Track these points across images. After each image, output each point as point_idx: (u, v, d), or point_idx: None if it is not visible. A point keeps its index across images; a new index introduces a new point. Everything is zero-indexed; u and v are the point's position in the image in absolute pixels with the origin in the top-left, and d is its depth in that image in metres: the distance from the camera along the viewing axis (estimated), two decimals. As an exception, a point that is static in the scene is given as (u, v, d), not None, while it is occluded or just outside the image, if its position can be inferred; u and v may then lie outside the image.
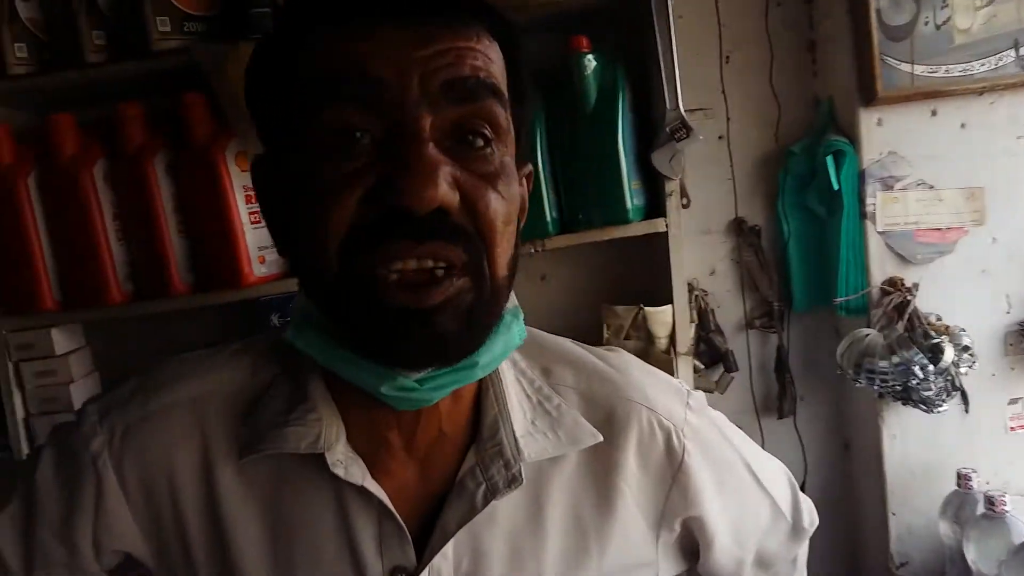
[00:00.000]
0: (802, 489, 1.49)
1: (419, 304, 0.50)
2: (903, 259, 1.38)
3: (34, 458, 0.66)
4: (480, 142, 0.53)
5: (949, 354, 1.27)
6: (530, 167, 0.63)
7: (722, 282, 1.55)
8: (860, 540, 1.51)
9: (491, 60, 0.54)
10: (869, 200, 1.37)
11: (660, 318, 1.34)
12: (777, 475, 0.77)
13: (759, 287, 1.54)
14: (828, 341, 1.44)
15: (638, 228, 1.33)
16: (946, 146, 1.36)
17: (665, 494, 0.66)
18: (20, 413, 1.47)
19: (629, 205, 1.30)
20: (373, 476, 0.60)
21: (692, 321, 1.50)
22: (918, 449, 1.36)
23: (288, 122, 0.54)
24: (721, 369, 1.51)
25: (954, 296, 1.37)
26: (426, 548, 0.60)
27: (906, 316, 1.33)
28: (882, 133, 1.37)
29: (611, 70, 1.32)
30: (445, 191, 0.50)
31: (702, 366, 1.51)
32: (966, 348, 1.31)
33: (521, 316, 0.62)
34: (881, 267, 1.38)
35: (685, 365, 1.35)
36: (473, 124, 0.53)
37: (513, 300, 0.61)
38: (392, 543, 0.59)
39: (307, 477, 0.60)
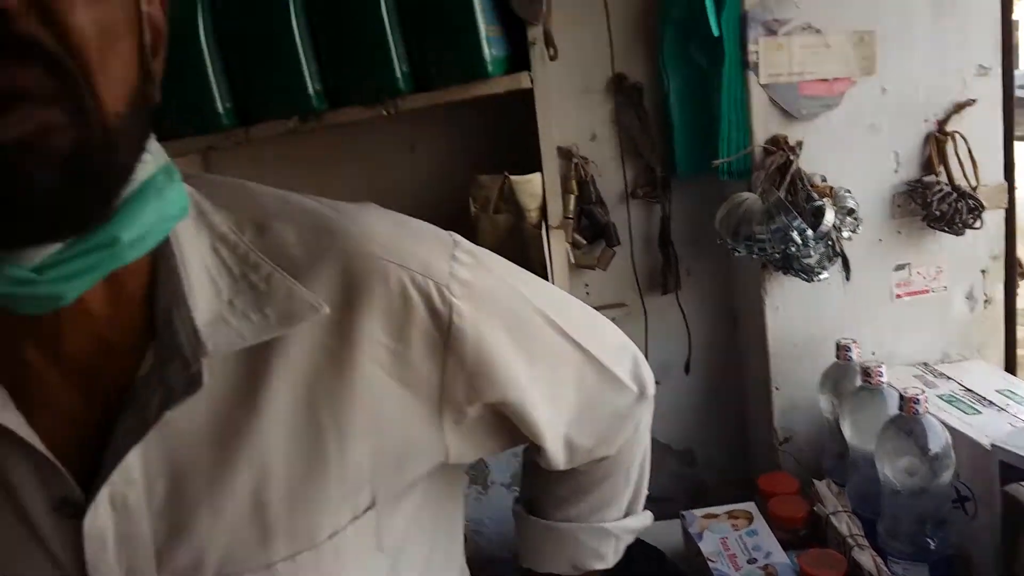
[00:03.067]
0: (688, 368, 1.47)
1: None
2: (787, 115, 1.26)
3: None
4: None
5: (830, 217, 1.17)
6: None
7: (603, 148, 1.41)
8: (747, 416, 1.46)
9: None
10: (751, 48, 1.23)
11: (528, 188, 1.20)
12: (598, 329, 0.67)
13: (642, 152, 1.41)
14: (714, 209, 1.32)
15: (500, 84, 1.15)
16: (835, -18, 1.22)
17: (440, 367, 0.54)
18: None
19: (487, 56, 1.11)
20: (19, 405, 0.46)
21: (570, 192, 1.37)
22: (801, 321, 1.28)
23: None
24: (603, 244, 1.39)
25: (840, 155, 1.26)
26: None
27: (788, 178, 1.22)
28: (767, -31, 1.22)
29: None
30: None
31: (584, 241, 1.39)
32: (851, 211, 1.22)
33: (178, 176, 0.48)
34: (764, 124, 1.26)
35: (558, 240, 1.22)
36: None
37: (162, 155, 0.48)
38: (48, 474, 0.47)
39: None
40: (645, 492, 0.79)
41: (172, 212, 0.47)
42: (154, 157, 0.46)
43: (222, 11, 1.14)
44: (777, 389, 1.30)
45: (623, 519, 0.77)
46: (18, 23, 0.36)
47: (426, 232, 0.57)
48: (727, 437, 1.48)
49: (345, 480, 0.52)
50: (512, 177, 1.20)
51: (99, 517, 0.47)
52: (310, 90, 1.15)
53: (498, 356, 0.55)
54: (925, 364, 1.29)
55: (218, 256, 0.50)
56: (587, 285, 1.44)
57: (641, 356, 0.71)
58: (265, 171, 1.40)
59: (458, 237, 0.58)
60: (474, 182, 1.24)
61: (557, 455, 0.64)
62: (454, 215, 1.35)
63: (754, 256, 1.22)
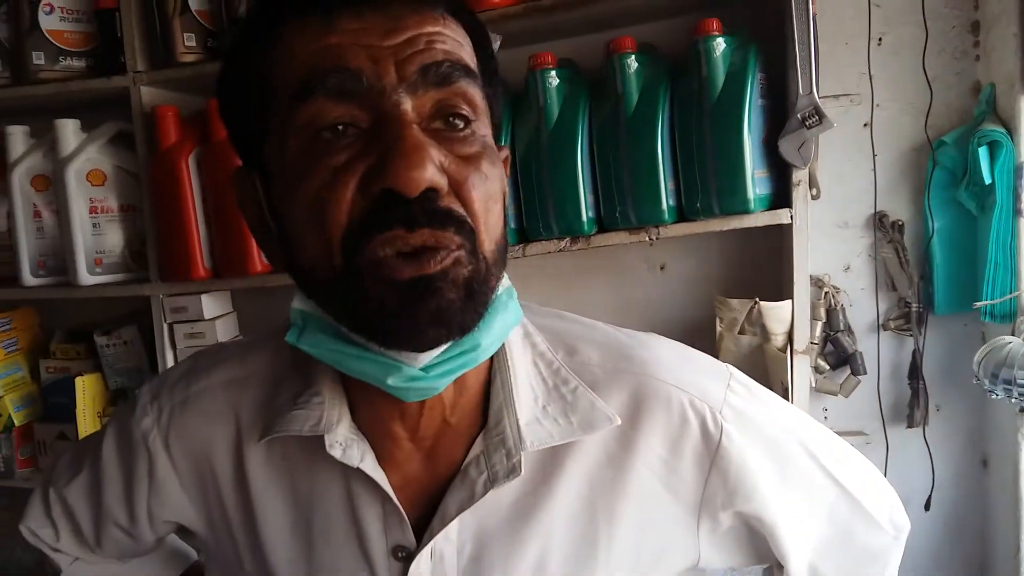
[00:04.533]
0: (928, 506, 1.43)
1: (422, 270, 0.51)
2: (1061, 264, 1.24)
3: (101, 432, 0.74)
4: (461, 123, 0.54)
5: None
6: (507, 151, 0.63)
7: (857, 279, 1.47)
8: (988, 566, 1.39)
9: (460, 43, 0.55)
10: (1025, 197, 1.25)
11: (777, 313, 1.29)
12: (858, 469, 0.72)
13: (897, 286, 1.44)
14: (971, 349, 1.32)
15: (760, 219, 1.27)
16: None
17: (703, 480, 0.64)
18: (173, 369, 1.64)
19: (751, 195, 1.25)
20: (381, 465, 0.62)
21: (818, 319, 1.43)
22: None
23: (267, 128, 0.55)
24: (847, 371, 1.43)
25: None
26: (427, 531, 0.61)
27: (1059, 327, 1.20)
28: (1046, 123, 1.24)
29: (742, 53, 1.27)
30: (433, 172, 0.51)
31: (827, 367, 1.44)
32: None
33: (515, 296, 0.62)
34: (1036, 271, 1.25)
35: (802, 364, 1.29)
36: (452, 105, 0.53)
37: (506, 281, 0.61)
38: (393, 523, 0.62)
39: (319, 458, 0.62)
40: None
41: (511, 322, 0.60)
42: (503, 280, 0.60)
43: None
44: (1029, 542, 1.24)
45: None
46: (444, 200, 0.53)
47: (705, 362, 0.69)
48: (967, 583, 1.41)
49: (610, 565, 0.63)
50: (762, 303, 1.30)
51: (422, 564, 0.61)
52: (583, 216, 1.35)
53: (756, 477, 0.64)
54: None
55: (537, 369, 0.65)
56: (825, 410, 1.47)
57: (899, 501, 0.74)
58: (529, 283, 1.59)
59: (734, 370, 0.69)
60: (722, 304, 1.35)
61: (792, 557, 0.69)
62: (696, 332, 1.47)
63: (1012, 400, 1.20)
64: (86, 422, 1.70)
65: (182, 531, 0.75)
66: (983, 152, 1.27)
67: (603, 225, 1.38)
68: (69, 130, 1.58)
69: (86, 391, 1.70)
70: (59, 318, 1.90)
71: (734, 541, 0.68)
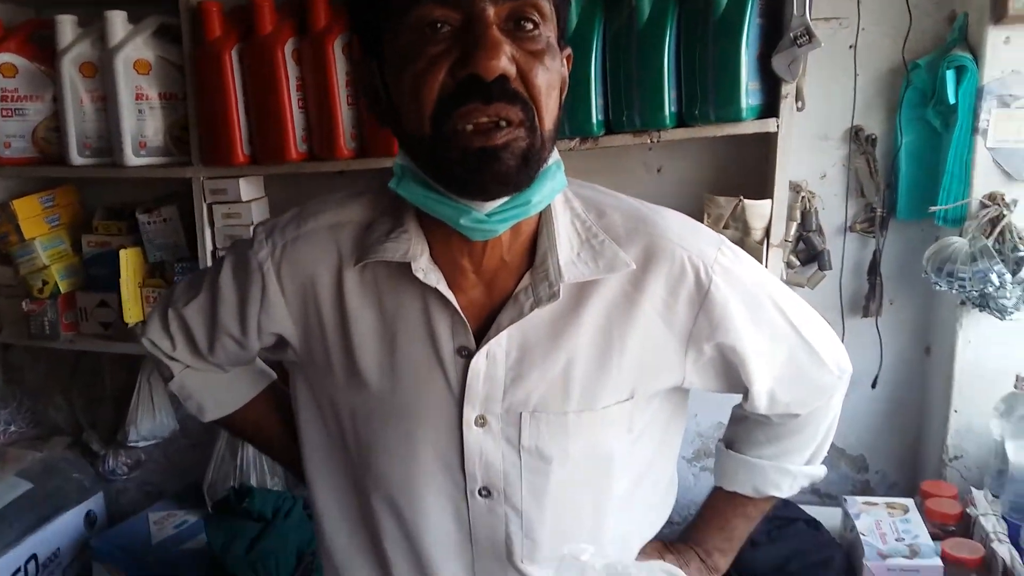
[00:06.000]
0: (875, 384, 1.67)
1: (488, 142, 0.67)
2: (1008, 176, 1.43)
3: (218, 264, 0.92)
4: (529, 26, 0.69)
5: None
6: (569, 50, 0.78)
7: (831, 186, 1.65)
8: (922, 434, 1.64)
9: None
10: (983, 116, 1.42)
11: (758, 211, 1.48)
12: (813, 322, 0.91)
13: (866, 193, 1.63)
14: (924, 250, 1.51)
15: (750, 127, 1.44)
16: (1072, 69, 1.37)
17: (693, 317, 0.82)
18: (208, 247, 1.81)
19: (744, 104, 1.41)
20: (451, 288, 0.79)
21: (793, 220, 1.62)
22: (990, 354, 1.45)
23: (386, 25, 0.72)
24: (815, 267, 1.63)
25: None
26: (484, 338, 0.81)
27: (998, 229, 1.40)
28: (1008, 51, 1.40)
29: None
30: (505, 63, 0.66)
31: (797, 262, 1.64)
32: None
33: (563, 167, 0.78)
34: (985, 181, 1.44)
35: (775, 256, 1.49)
36: (524, 12, 0.68)
37: (556, 155, 0.77)
38: (459, 330, 0.81)
39: (403, 280, 0.80)
40: (825, 451, 0.99)
41: (557, 187, 0.76)
42: (553, 154, 0.76)
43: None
44: (956, 412, 1.48)
45: (803, 466, 0.97)
46: (512, 83, 0.68)
47: (705, 232, 0.88)
48: (899, 450, 1.67)
49: (619, 376, 0.83)
50: (746, 201, 1.49)
51: (479, 361, 0.80)
52: (594, 119, 1.51)
53: (734, 318, 0.83)
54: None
55: (574, 226, 0.83)
56: (798, 299, 1.68)
57: (844, 351, 0.94)
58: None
59: (727, 240, 0.87)
60: (712, 201, 1.54)
61: (759, 400, 0.89)
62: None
63: (954, 292, 1.41)
64: (128, 290, 1.87)
65: (279, 344, 0.92)
66: (950, 75, 1.44)
67: (610, 128, 1.54)
68: (117, 21, 1.70)
69: (129, 263, 1.87)
70: (97, 198, 2.05)
71: (712, 369, 0.87)
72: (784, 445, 0.96)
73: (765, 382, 0.88)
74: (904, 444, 1.68)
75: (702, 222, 1.55)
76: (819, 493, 1.71)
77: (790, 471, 0.96)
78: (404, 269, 0.79)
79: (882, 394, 1.67)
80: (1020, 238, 1.41)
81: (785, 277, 1.62)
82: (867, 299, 1.63)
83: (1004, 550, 1.15)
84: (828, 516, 1.46)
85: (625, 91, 1.50)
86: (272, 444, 1.08)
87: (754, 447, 0.97)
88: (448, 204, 0.73)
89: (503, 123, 0.68)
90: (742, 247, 1.51)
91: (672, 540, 1.00)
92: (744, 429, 0.99)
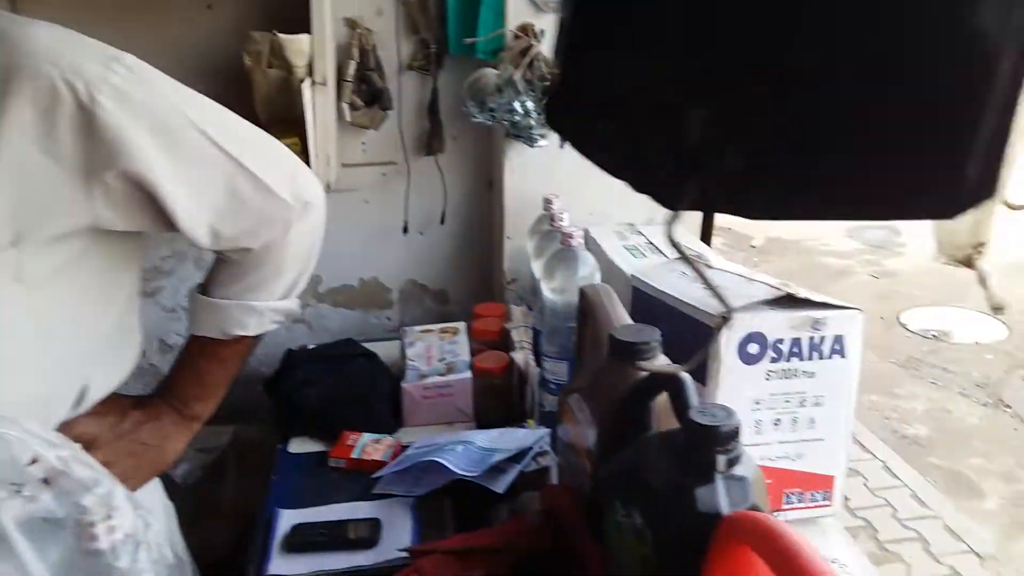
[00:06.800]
0: (443, 220, 1.71)
1: None
2: (536, 7, 1.47)
3: None
4: None
5: (554, 93, 1.41)
6: None
7: (387, 23, 1.59)
8: (490, 261, 1.75)
9: None
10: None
11: (295, 46, 1.38)
12: (259, 150, 0.85)
13: (420, 30, 1.60)
14: (474, 85, 1.54)
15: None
16: None
17: (82, 145, 0.72)
18: None
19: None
20: None
21: (352, 59, 1.55)
22: (531, 181, 1.54)
23: None
24: (377, 107, 1.59)
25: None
26: None
27: (528, 59, 1.45)
28: None
29: None
30: None
31: (361, 103, 1.58)
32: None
33: None
34: (516, 13, 1.47)
35: (322, 95, 1.41)
36: None
37: None
38: None
39: None
40: (303, 284, 0.96)
41: None
42: None
43: None
44: (509, 238, 1.57)
45: (273, 302, 0.93)
46: None
47: (89, 45, 0.74)
48: (474, 280, 1.76)
49: None
50: (280, 35, 1.38)
51: None
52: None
53: (137, 144, 0.73)
54: (630, 224, 1.57)
55: None
56: (364, 144, 1.65)
57: (305, 174, 0.88)
58: (72, 15, 1.49)
59: (127, 56, 0.75)
60: (248, 38, 1.41)
61: (198, 234, 0.81)
62: (236, 66, 1.51)
63: (490, 123, 1.45)
64: None
65: None
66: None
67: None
68: None
69: None
70: None
71: (128, 203, 0.77)
72: (247, 282, 0.91)
73: (200, 214, 0.81)
74: (478, 274, 1.76)
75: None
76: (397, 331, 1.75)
77: (255, 308, 0.92)
78: None
79: (453, 230, 1.72)
80: (548, 68, 1.47)
81: (351, 119, 1.56)
82: (429, 137, 1.64)
83: (520, 356, 1.25)
84: (394, 347, 1.48)
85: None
86: None
87: (220, 287, 0.92)
88: None
89: None
90: (286, 86, 1.46)
91: (146, 395, 0.93)
92: (212, 271, 0.93)
